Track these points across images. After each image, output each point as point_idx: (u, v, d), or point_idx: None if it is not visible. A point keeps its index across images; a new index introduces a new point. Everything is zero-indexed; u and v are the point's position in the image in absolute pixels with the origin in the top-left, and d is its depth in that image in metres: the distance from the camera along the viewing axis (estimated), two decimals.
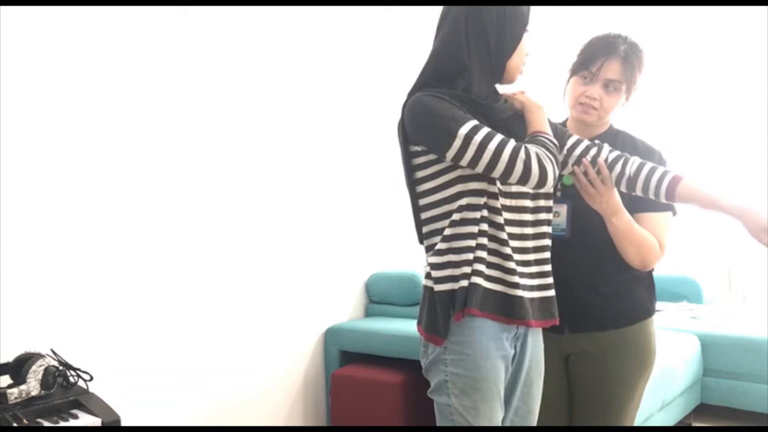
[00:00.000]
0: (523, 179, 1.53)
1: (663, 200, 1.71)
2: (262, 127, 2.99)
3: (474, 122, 1.54)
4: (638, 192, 1.74)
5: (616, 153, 1.76)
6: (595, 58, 1.89)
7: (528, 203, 1.63)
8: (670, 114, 4.76)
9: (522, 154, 1.52)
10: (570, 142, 1.76)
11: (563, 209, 1.90)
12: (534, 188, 1.58)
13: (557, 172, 1.59)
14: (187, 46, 2.68)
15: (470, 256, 1.56)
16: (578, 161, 1.76)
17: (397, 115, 1.66)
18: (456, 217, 1.58)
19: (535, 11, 1.71)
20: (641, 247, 1.85)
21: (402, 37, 3.53)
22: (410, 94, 1.66)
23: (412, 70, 1.71)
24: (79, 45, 2.34)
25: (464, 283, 1.55)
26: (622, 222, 1.82)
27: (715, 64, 4.70)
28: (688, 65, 4.73)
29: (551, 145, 1.60)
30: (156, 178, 2.58)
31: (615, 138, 1.98)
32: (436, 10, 1.74)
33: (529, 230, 1.64)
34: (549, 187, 1.60)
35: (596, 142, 1.79)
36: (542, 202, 1.66)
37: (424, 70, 1.68)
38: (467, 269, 1.56)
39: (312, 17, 3.18)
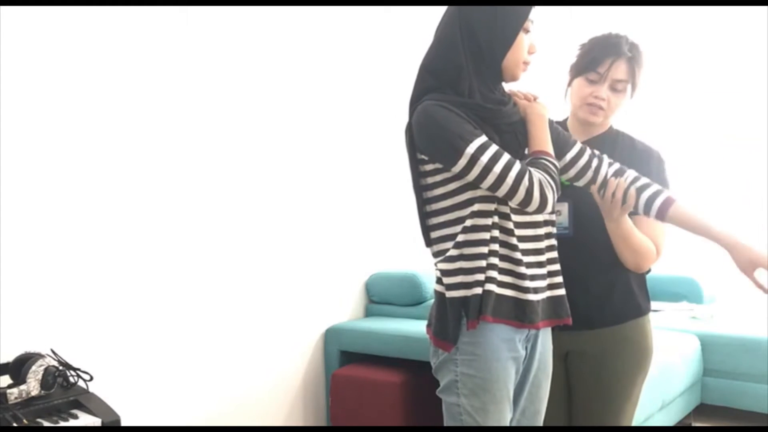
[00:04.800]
0: (524, 204, 1.56)
1: (652, 218, 1.74)
2: (262, 128, 2.99)
3: (482, 140, 1.54)
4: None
5: (615, 167, 1.78)
6: (603, 59, 1.89)
7: None
8: (668, 114, 4.76)
9: (525, 181, 1.54)
10: (572, 153, 1.75)
11: (564, 208, 1.90)
12: (533, 212, 1.59)
13: (556, 198, 1.61)
14: (187, 46, 2.67)
15: (483, 263, 1.56)
16: (580, 173, 1.76)
17: (398, 115, 1.66)
18: (468, 223, 1.58)
19: (537, 10, 1.70)
20: (638, 253, 1.88)
21: (402, 37, 3.53)
22: (414, 98, 1.65)
23: (413, 70, 1.70)
24: (79, 45, 2.33)
25: (478, 290, 1.55)
26: (620, 228, 1.84)
27: (714, 63, 4.70)
28: (686, 64, 4.73)
29: (553, 169, 1.61)
30: (156, 179, 2.57)
31: (615, 139, 1.98)
32: (437, 11, 1.74)
33: (541, 231, 1.64)
34: (547, 212, 1.62)
35: (596, 152, 1.79)
36: None
37: (421, 67, 1.67)
38: (480, 276, 1.56)
39: (312, 17, 3.17)
